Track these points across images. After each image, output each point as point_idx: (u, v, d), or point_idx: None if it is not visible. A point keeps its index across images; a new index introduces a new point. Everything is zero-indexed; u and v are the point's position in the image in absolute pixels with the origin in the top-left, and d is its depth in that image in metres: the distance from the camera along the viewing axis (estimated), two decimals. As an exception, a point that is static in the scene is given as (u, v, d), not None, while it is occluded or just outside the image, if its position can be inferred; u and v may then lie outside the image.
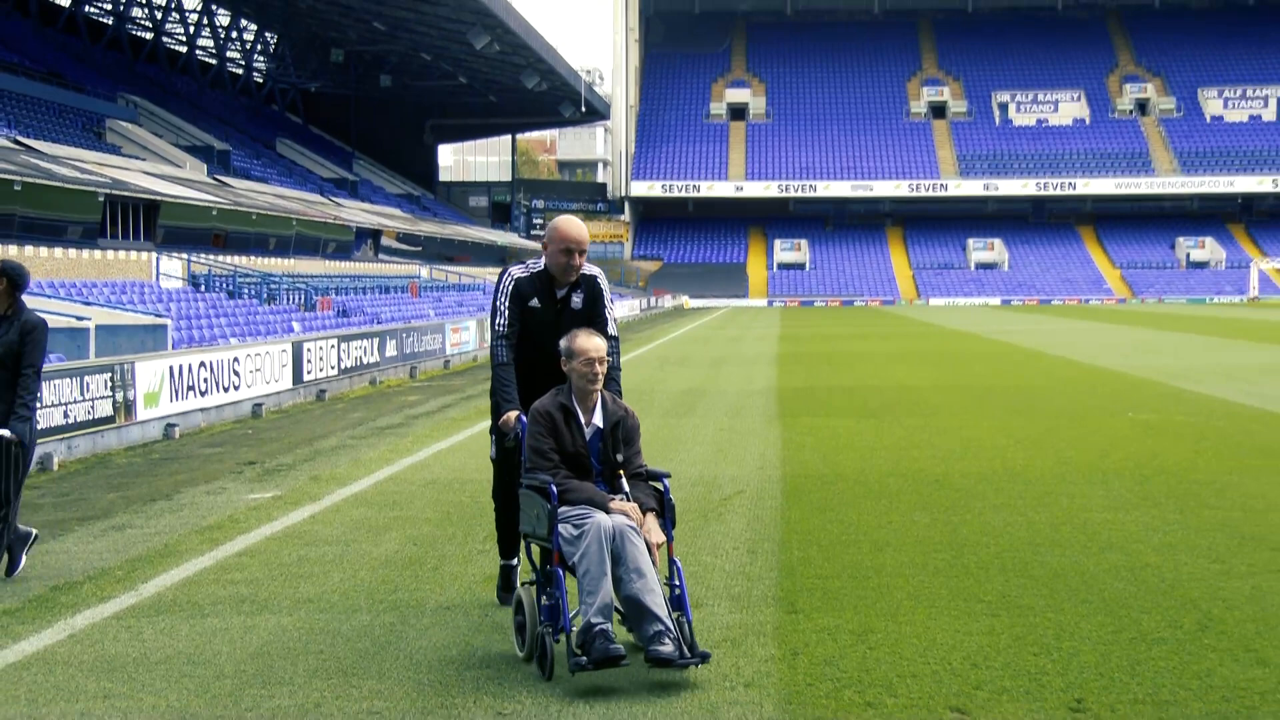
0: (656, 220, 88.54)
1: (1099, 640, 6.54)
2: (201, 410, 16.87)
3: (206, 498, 11.05)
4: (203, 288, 28.02)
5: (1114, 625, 6.83)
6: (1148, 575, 8.02)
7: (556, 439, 6.02)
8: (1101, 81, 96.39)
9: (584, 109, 79.36)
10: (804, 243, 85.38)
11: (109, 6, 52.94)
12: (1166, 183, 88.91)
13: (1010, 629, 6.73)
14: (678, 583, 5.71)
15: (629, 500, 5.94)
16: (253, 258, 34.94)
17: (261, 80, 64.55)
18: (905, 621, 6.90)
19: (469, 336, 28.92)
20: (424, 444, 14.50)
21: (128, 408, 14.87)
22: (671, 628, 5.46)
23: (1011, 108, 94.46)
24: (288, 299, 29.21)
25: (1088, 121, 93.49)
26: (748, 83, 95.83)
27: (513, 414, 6.28)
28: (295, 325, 25.74)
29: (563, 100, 75.73)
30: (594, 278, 6.64)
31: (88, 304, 20.34)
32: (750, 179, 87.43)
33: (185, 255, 29.28)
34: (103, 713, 5.43)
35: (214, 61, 60.42)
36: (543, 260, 6.56)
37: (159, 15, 55.21)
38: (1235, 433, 15.14)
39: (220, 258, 32.37)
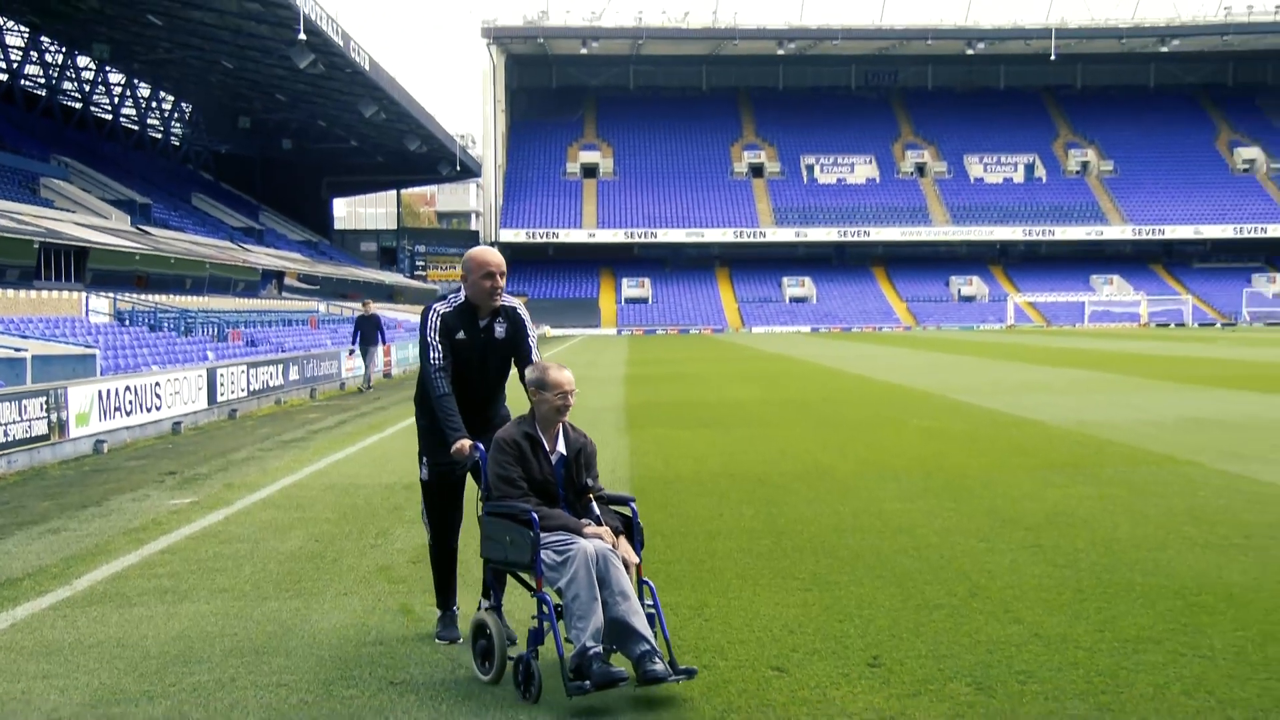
0: (522, 262, 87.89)
1: (890, 608, 6.64)
2: (127, 428, 16.49)
3: (132, 504, 10.86)
4: (127, 322, 27.20)
5: (902, 595, 6.94)
6: (929, 553, 8.12)
7: (524, 467, 5.41)
8: (888, 148, 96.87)
9: (459, 168, 78.72)
10: (647, 280, 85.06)
11: (42, 80, 51.39)
12: (941, 231, 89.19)
13: (820, 601, 6.82)
14: (651, 601, 5.21)
15: (600, 524, 5.38)
16: (171, 296, 34.12)
17: (178, 143, 62.92)
18: (734, 597, 6.96)
19: (378, 363, 28.51)
20: (323, 455, 14.25)
21: (61, 426, 14.50)
22: (656, 646, 4.99)
23: (817, 169, 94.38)
24: (202, 331, 28.49)
25: (878, 181, 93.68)
26: (598, 146, 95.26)
27: (466, 442, 5.61)
28: (209, 354, 25.11)
29: (440, 160, 74.93)
30: (514, 308, 6.06)
31: (25, 337, 19.98)
32: (601, 227, 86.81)
33: (111, 294, 28.45)
34: (43, 691, 5.38)
35: (136, 127, 58.81)
36: (462, 294, 5.96)
37: (87, 87, 53.68)
38: (998, 436, 15.33)
39: (142, 296, 31.60)
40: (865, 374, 29.66)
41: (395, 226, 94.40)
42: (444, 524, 6.08)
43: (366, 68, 49.24)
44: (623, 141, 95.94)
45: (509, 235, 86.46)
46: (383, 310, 52.90)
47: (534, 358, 5.87)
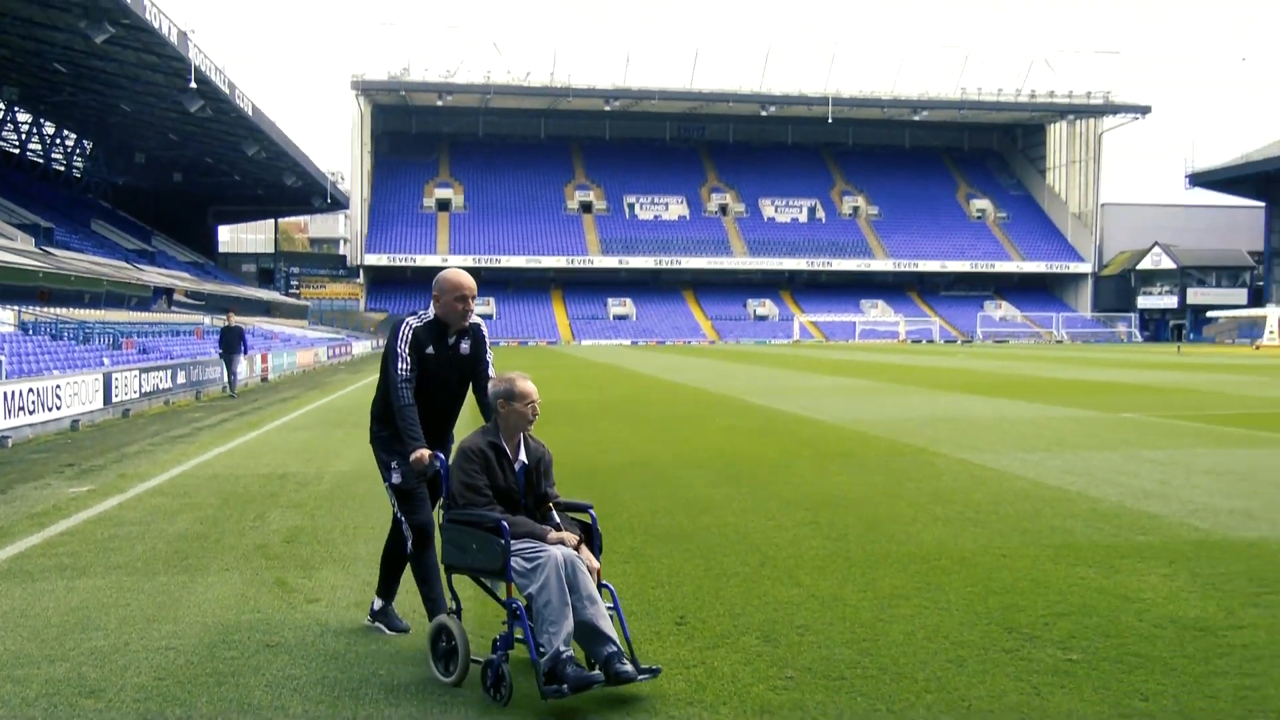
0: (384, 283, 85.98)
1: (695, 576, 6.68)
2: (30, 425, 15.73)
3: (35, 491, 10.44)
4: (30, 332, 25.70)
5: (705, 565, 6.99)
6: (728, 530, 8.13)
7: (489, 475, 4.84)
8: (697, 191, 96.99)
9: (329, 200, 76.62)
10: (492, 299, 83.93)
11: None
12: (740, 261, 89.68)
13: (636, 571, 6.82)
14: (611, 604, 4.70)
15: (561, 530, 4.83)
16: (71, 309, 32.22)
17: (80, 175, 59.30)
18: None
19: (241, 369, 27.64)
20: (207, 449, 13.95)
21: (-28, 424, 13.62)
22: (621, 647, 4.55)
23: (637, 207, 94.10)
24: (99, 340, 27.12)
25: (688, 218, 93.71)
26: (451, 184, 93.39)
27: (425, 452, 5.04)
28: (105, 360, 23.83)
29: (313, 194, 72.79)
30: (478, 326, 5.53)
31: (-65, 345, 18.48)
32: (452, 253, 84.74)
33: (16, 307, 26.77)
34: (-49, 657, 5.26)
35: (42, 160, 55.48)
36: (432, 311, 5.37)
37: (-4, 124, 50.59)
38: (786, 432, 15.45)
39: (45, 309, 29.77)
40: (677, 380, 29.64)
41: (273, 250, 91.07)
42: (427, 525, 5.37)
43: (250, 113, 47.53)
44: (472, 180, 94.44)
45: (372, 259, 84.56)
46: (262, 323, 51.96)
47: (490, 373, 5.39)
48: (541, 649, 4.42)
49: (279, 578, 6.73)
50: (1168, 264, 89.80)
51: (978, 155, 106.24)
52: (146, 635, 5.48)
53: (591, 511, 4.97)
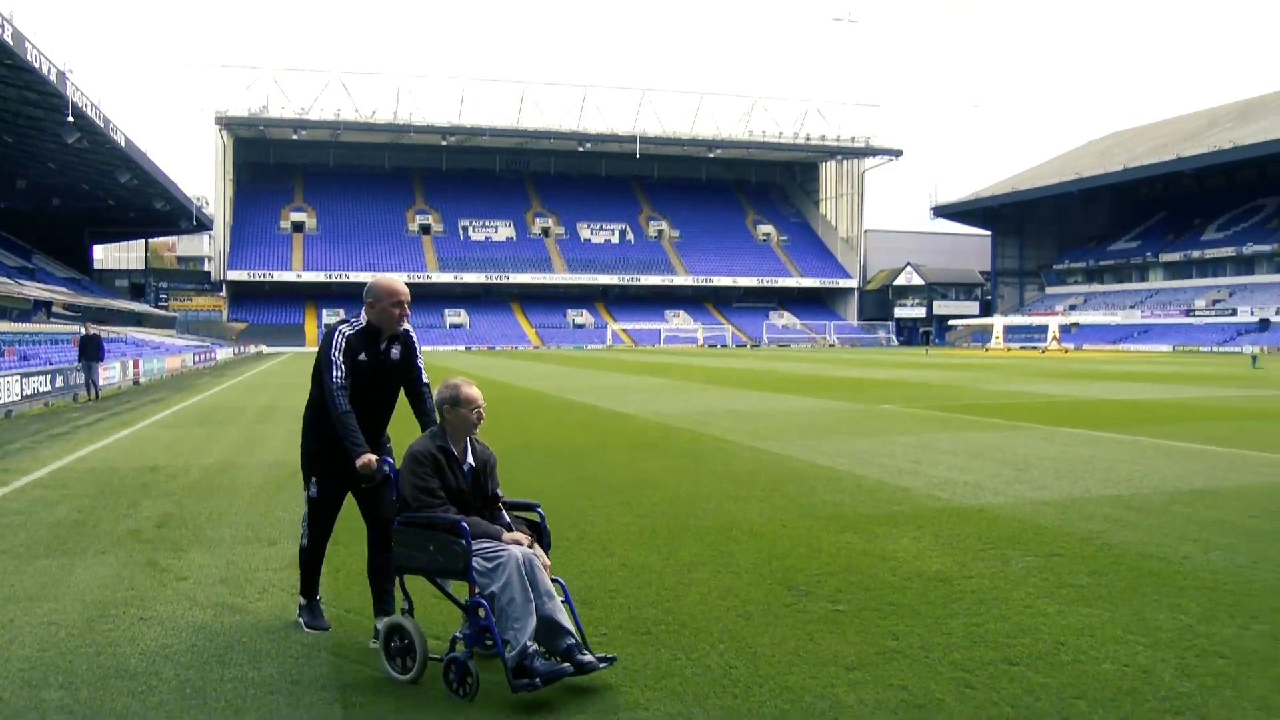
0: (245, 295, 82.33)
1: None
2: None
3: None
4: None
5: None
6: (551, 510, 6.77)
7: (441, 478, 4.45)
8: (523, 216, 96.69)
9: (195, 223, 72.81)
10: (341, 310, 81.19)
11: None
12: (560, 277, 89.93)
13: None
14: (563, 596, 4.34)
15: (512, 529, 4.45)
16: (-48, 321, 29.90)
17: (-36, 201, 54.93)
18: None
19: (114, 374, 26.00)
20: (84, 445, 13.24)
21: None
22: (577, 638, 4.23)
23: (470, 229, 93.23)
24: (-19, 348, 25.17)
25: (515, 239, 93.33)
26: (305, 209, 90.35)
27: (372, 457, 4.54)
28: (-13, 366, 22.24)
29: (181, 216, 68.94)
30: (408, 332, 4.97)
31: None
32: (306, 270, 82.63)
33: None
34: None
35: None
36: (364, 318, 4.85)
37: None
38: (601, 425, 15.44)
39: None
40: (506, 381, 29.27)
41: (144, 267, 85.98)
42: (325, 533, 4.97)
43: (123, 144, 44.88)
44: (324, 205, 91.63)
45: (234, 275, 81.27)
46: (134, 333, 49.23)
47: (423, 379, 4.92)
48: (508, 644, 4.07)
49: (151, 559, 6.50)
50: (918, 281, 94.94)
51: (763, 187, 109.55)
52: (30, 613, 5.28)
53: (539, 510, 4.60)
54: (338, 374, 4.65)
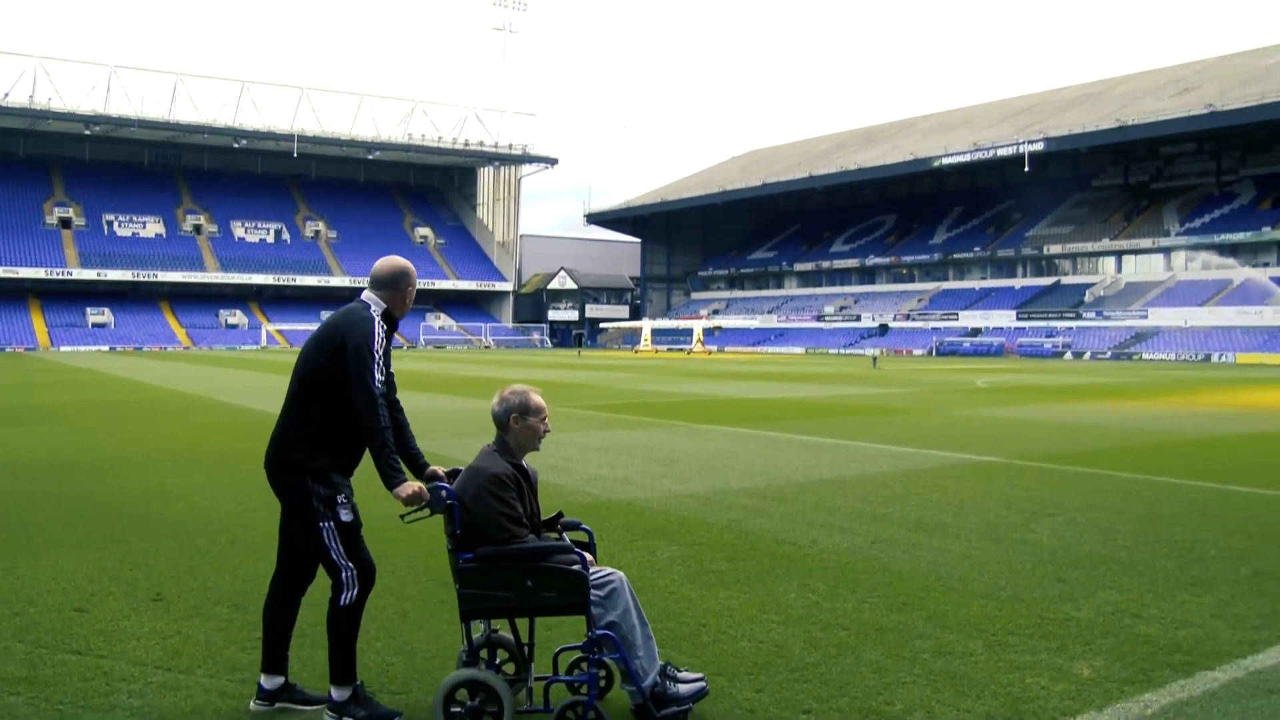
0: None
1: (170, 556, 7.12)
2: None
3: None
4: None
5: (179, 546, 7.47)
6: (200, 514, 8.78)
7: (520, 503, 4.35)
8: (173, 211, 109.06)
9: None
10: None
11: None
12: (213, 276, 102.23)
13: (114, 555, 7.21)
14: None
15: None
16: None
17: None
18: (42, 558, 7.19)
19: None
20: None
21: None
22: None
23: (116, 224, 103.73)
24: None
25: (165, 235, 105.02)
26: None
27: (418, 484, 4.28)
28: None
29: None
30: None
31: None
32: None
33: None
34: None
35: None
36: (381, 304, 4.47)
37: None
38: (255, 427, 16.20)
39: None
40: (153, 382, 30.53)
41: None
42: (372, 567, 4.54)
43: None
44: None
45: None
46: None
47: (393, 381, 4.52)
48: (642, 674, 4.22)
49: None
50: (571, 285, 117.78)
51: (422, 190, 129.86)
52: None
53: (588, 529, 4.70)
54: (379, 377, 4.32)
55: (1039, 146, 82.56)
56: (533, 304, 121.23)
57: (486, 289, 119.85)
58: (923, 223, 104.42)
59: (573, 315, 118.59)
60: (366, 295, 4.58)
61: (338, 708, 4.44)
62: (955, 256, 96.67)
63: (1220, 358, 67.59)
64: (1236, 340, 69.71)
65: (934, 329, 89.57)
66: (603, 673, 4.47)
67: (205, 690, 4.78)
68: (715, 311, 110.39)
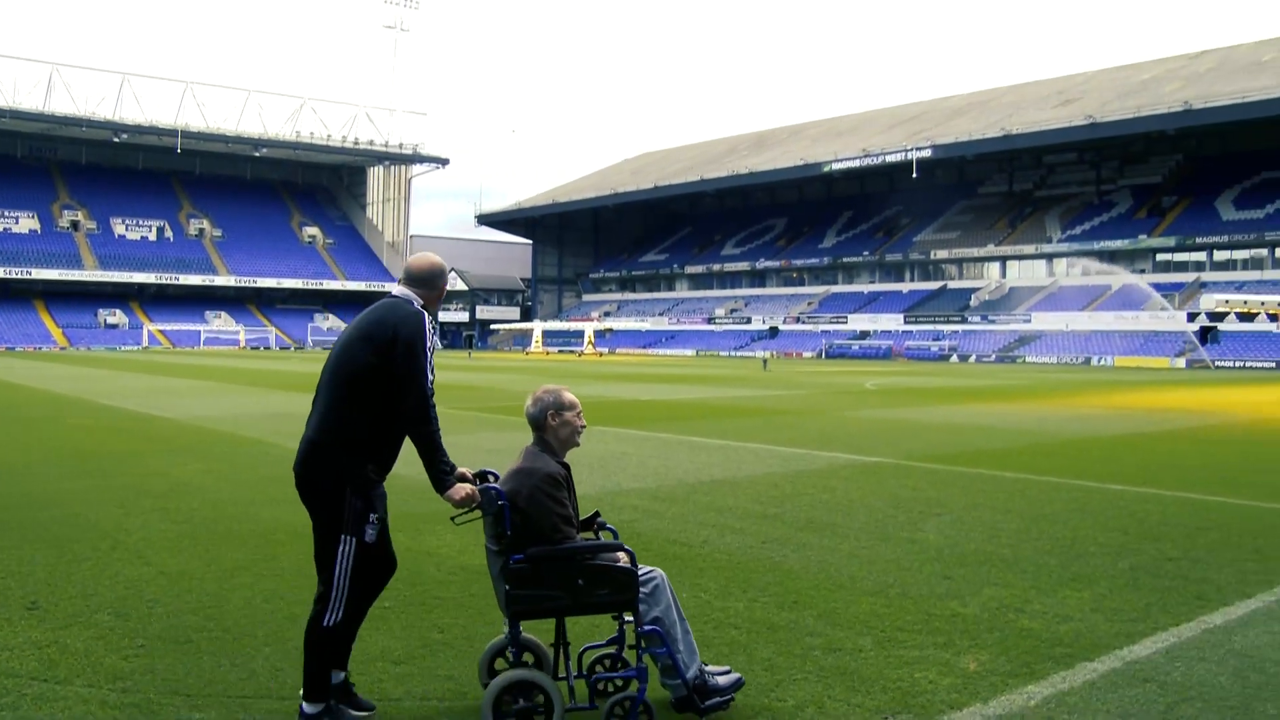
0: None
1: (46, 564, 7.00)
2: None
3: None
4: None
5: (56, 553, 7.32)
6: (78, 520, 8.52)
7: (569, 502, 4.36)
8: (48, 207, 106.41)
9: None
10: None
11: None
12: (91, 274, 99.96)
13: None
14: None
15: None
16: None
17: None
18: None
19: None
20: None
21: None
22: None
23: None
24: None
25: (39, 232, 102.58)
26: None
27: (469, 486, 4.26)
28: None
29: None
30: None
31: None
32: None
33: None
34: None
35: None
36: (419, 301, 4.35)
37: None
38: (135, 429, 16.14)
39: None
40: (29, 384, 29.71)
41: None
42: (369, 597, 4.48)
43: None
44: None
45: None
46: None
47: None
48: (685, 667, 4.34)
49: None
50: (461, 286, 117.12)
51: (311, 189, 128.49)
52: None
53: (612, 528, 4.76)
54: (431, 377, 4.28)
55: (927, 154, 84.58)
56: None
57: (376, 289, 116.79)
58: (813, 227, 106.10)
59: (463, 317, 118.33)
60: (402, 291, 4.44)
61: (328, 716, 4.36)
62: (844, 261, 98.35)
63: (1099, 361, 69.75)
64: (1115, 344, 72.06)
65: (823, 332, 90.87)
66: (601, 676, 4.59)
67: (84, 700, 4.62)
68: (606, 313, 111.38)
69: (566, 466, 4.52)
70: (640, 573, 4.34)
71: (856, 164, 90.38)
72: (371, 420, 4.24)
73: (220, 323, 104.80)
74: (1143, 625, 6.04)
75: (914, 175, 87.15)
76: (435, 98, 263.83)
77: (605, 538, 4.70)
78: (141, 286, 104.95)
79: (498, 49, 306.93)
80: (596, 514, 4.76)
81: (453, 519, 4.44)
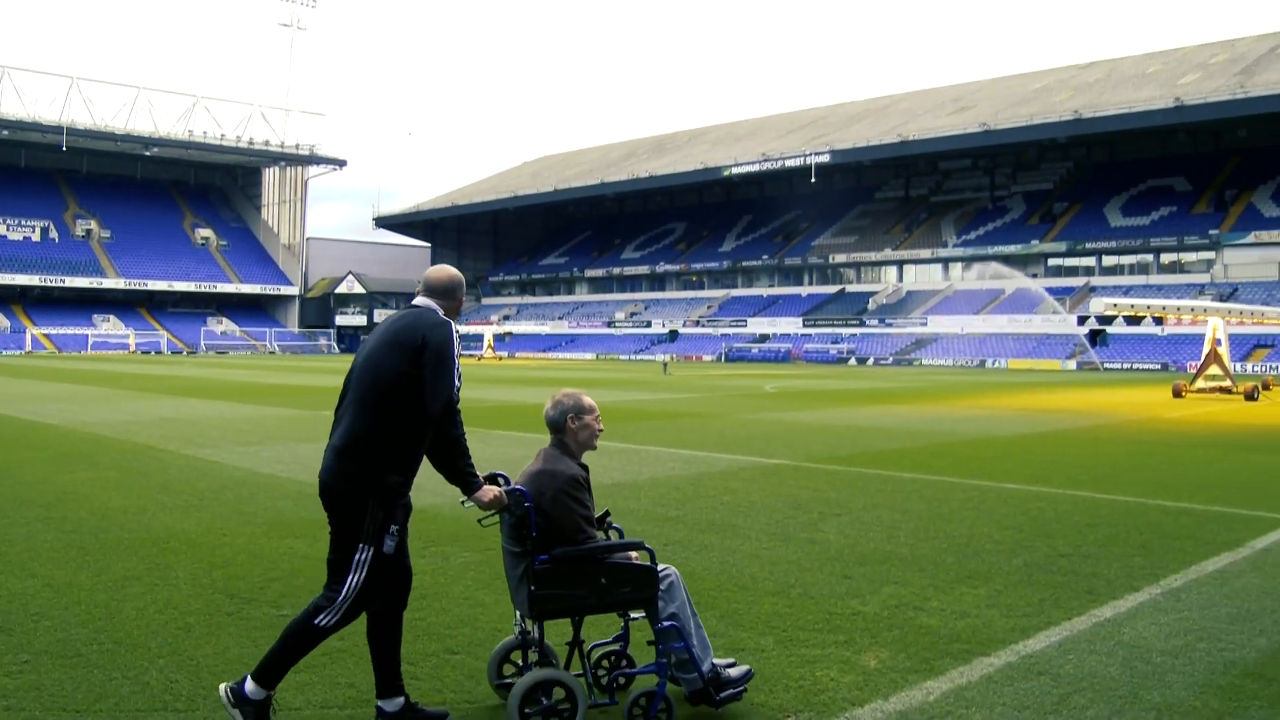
0: None
1: None
2: None
3: None
4: None
5: None
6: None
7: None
8: None
9: None
10: None
11: None
12: None
13: None
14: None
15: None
16: None
17: None
18: None
19: None
20: None
21: None
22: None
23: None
24: None
25: None
26: None
27: (496, 489, 4.35)
28: None
29: None
30: None
31: None
32: None
33: None
34: None
35: None
36: (442, 313, 4.42)
37: None
38: (19, 437, 15.85)
39: None
40: None
41: None
42: (399, 593, 4.48)
43: None
44: None
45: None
46: None
47: None
48: (684, 662, 4.47)
49: None
50: (359, 289, 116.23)
51: (204, 190, 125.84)
52: None
53: (618, 527, 4.81)
54: (459, 385, 4.33)
55: (825, 158, 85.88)
56: (319, 308, 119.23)
57: (271, 293, 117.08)
58: (712, 231, 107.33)
59: (361, 320, 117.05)
60: (425, 301, 4.52)
61: (240, 700, 4.30)
62: (744, 264, 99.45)
63: (994, 363, 71.63)
64: (1009, 346, 74.03)
65: (723, 335, 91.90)
66: (622, 672, 4.68)
67: (-37, 721, 4.48)
68: (506, 317, 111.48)
69: (585, 468, 4.64)
70: (660, 571, 4.48)
71: (756, 168, 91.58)
72: (398, 429, 4.29)
73: (109, 326, 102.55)
74: (1037, 620, 6.20)
75: (812, 180, 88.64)
76: (332, 98, 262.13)
77: (613, 537, 4.78)
78: (24, 289, 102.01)
79: (396, 50, 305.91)
80: (606, 513, 4.81)
81: (480, 521, 4.63)
